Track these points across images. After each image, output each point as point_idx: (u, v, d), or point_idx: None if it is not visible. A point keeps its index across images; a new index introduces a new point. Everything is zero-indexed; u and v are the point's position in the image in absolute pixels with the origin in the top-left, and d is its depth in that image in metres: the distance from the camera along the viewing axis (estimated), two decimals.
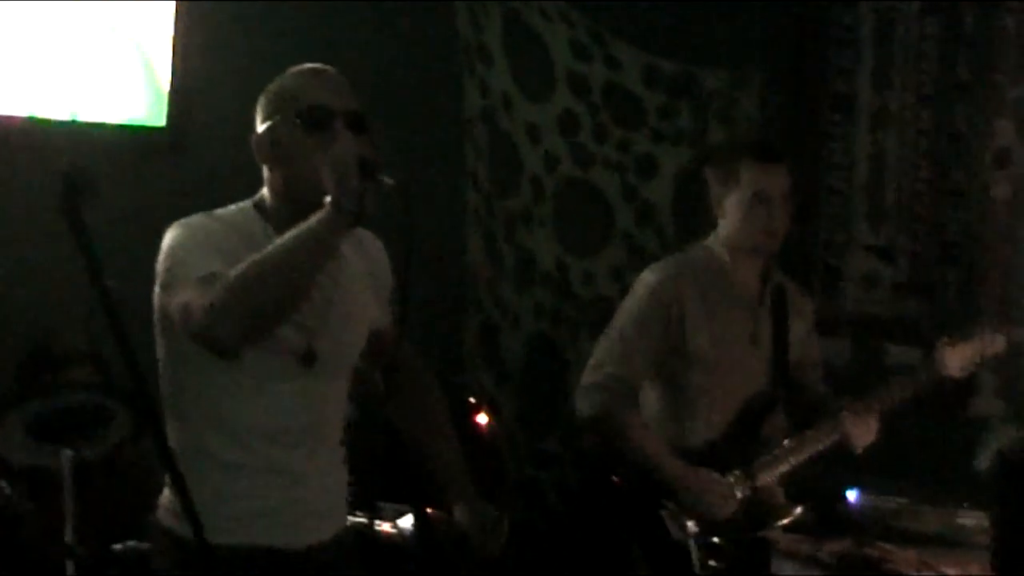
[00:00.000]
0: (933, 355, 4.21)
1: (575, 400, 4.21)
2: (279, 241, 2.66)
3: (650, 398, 4.20)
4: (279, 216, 2.85)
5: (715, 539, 3.99)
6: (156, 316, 2.83)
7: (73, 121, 4.83)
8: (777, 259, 4.30)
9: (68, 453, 4.06)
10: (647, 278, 4.24)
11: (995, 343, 4.27)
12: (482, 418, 5.09)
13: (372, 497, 4.73)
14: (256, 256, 2.64)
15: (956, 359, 4.18)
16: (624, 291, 4.41)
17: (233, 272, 2.63)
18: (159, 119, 5.02)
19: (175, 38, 5.00)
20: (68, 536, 3.93)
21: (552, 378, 6.11)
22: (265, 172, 2.93)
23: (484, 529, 3.21)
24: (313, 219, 2.63)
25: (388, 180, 2.64)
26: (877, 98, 6.17)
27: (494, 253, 6.00)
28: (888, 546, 4.73)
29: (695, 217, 5.59)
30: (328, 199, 2.62)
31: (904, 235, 6.07)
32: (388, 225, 2.84)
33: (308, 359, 2.85)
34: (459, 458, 3.32)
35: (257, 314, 2.65)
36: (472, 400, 5.21)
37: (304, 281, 2.68)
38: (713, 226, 4.25)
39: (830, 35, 6.38)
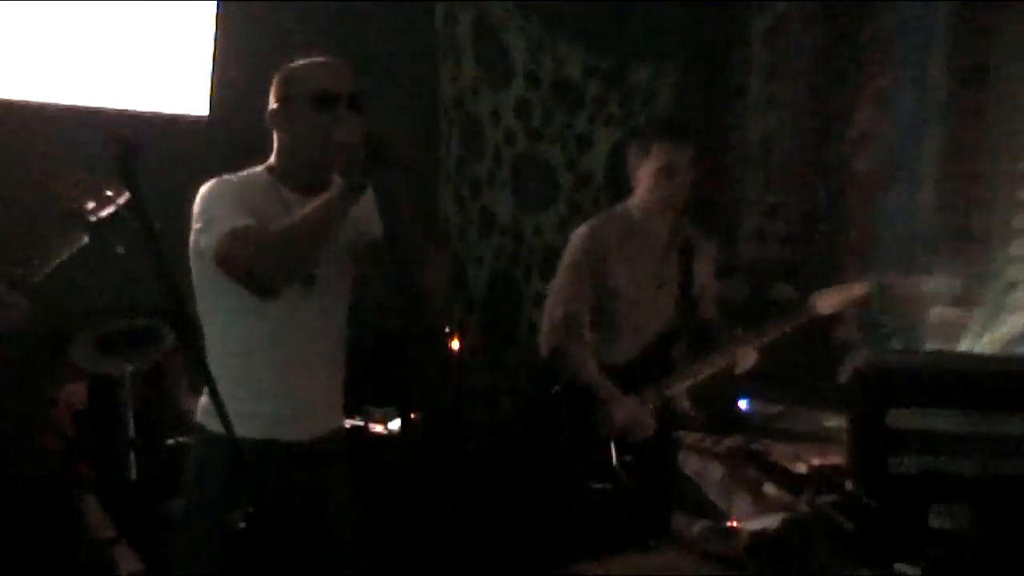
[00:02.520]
0: (809, 300, 4.21)
1: (539, 344, 4.20)
2: (305, 210, 2.69)
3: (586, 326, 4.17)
4: (288, 175, 2.88)
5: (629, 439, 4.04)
6: (192, 252, 2.84)
7: (126, 110, 4.79)
8: (686, 215, 4.27)
9: (127, 366, 4.14)
10: (576, 235, 4.24)
11: (858, 290, 4.29)
12: (455, 342, 5.17)
13: (364, 403, 4.84)
14: (289, 220, 2.69)
15: (827, 302, 4.20)
16: (566, 240, 4.39)
17: (272, 230, 2.68)
18: (202, 108, 5.00)
19: (216, 39, 4.99)
20: (130, 432, 4.03)
21: (508, 307, 6.18)
22: (276, 140, 2.92)
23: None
24: (329, 192, 2.65)
25: (400, 158, 2.63)
26: (767, 89, 6.21)
27: (463, 208, 6.04)
28: (770, 441, 4.82)
29: (621, 183, 5.66)
30: (339, 177, 2.65)
31: (787, 198, 6.11)
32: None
33: (309, 280, 2.87)
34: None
35: (289, 265, 2.70)
36: (446, 327, 5.28)
37: (324, 240, 2.72)
38: (632, 190, 4.25)
39: (731, 36, 6.40)
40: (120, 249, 3.19)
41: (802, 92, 6.07)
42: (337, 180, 2.68)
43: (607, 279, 4.14)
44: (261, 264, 2.66)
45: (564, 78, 6.30)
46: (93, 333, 4.12)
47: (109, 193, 3.20)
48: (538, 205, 6.29)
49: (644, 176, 4.15)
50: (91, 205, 3.18)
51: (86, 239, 3.24)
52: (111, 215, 3.18)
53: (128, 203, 3.14)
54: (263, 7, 5.16)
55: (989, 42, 5.34)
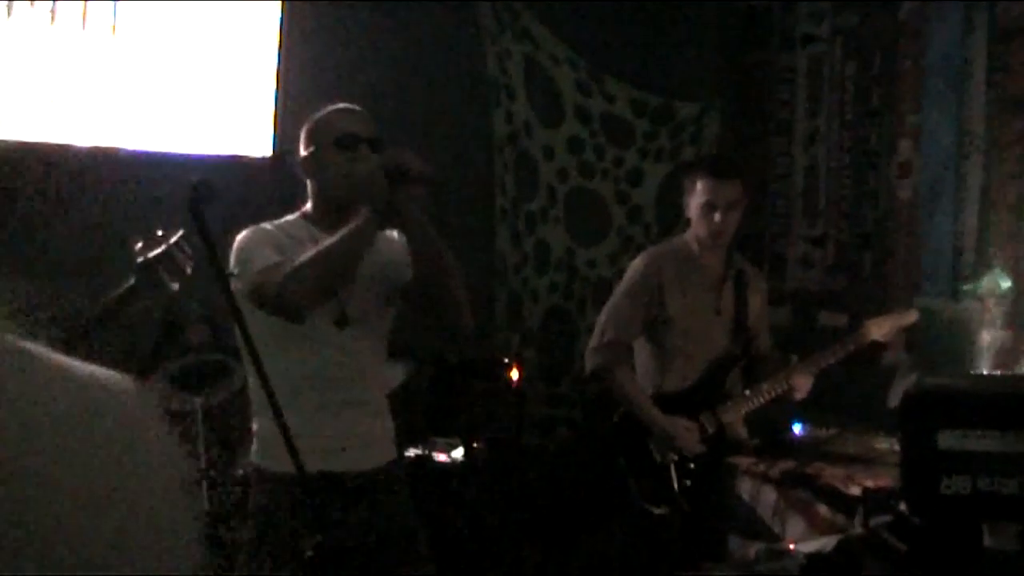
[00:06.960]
0: (861, 326, 4.15)
1: (585, 359, 4.17)
2: (333, 237, 2.73)
3: (641, 355, 4.15)
4: (321, 219, 2.92)
5: (691, 464, 4.00)
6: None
7: (199, 155, 4.74)
8: (737, 247, 4.25)
9: (198, 400, 4.09)
10: (636, 263, 4.21)
11: (909, 316, 4.25)
12: (514, 373, 5.09)
13: (428, 433, 4.79)
14: (318, 247, 2.73)
15: (880, 328, 4.14)
16: (619, 273, 4.37)
17: (300, 259, 2.72)
18: (266, 150, 4.97)
19: (279, 81, 4.96)
20: (202, 463, 3.98)
21: (564, 339, 6.12)
22: (309, 186, 2.97)
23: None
24: (354, 221, 2.71)
25: (418, 174, 2.68)
26: (810, 123, 6.13)
27: (518, 243, 5.99)
28: (822, 464, 4.70)
29: (672, 216, 5.59)
30: (363, 207, 2.71)
31: (832, 228, 6.03)
32: None
33: (341, 322, 2.86)
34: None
35: (317, 287, 2.72)
36: (505, 359, 5.22)
37: (351, 264, 2.75)
38: (687, 223, 4.20)
39: (774, 75, 6.34)
40: (174, 287, 3.11)
41: (845, 124, 5.98)
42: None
43: (663, 308, 4.10)
44: (290, 287, 2.70)
45: (614, 114, 6.25)
46: (166, 369, 4.07)
47: (160, 233, 3.12)
48: (591, 239, 6.24)
49: (693, 211, 4.13)
50: (139, 246, 3.09)
51: (132, 280, 3.13)
52: (160, 255, 3.07)
53: (178, 242, 3.03)
54: (325, 49, 5.16)
55: None
